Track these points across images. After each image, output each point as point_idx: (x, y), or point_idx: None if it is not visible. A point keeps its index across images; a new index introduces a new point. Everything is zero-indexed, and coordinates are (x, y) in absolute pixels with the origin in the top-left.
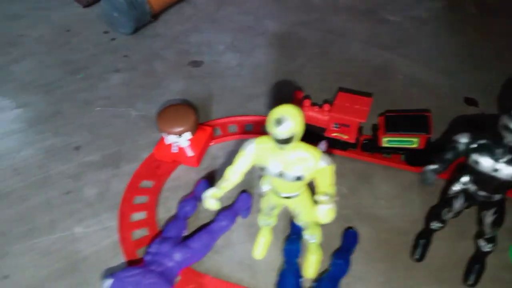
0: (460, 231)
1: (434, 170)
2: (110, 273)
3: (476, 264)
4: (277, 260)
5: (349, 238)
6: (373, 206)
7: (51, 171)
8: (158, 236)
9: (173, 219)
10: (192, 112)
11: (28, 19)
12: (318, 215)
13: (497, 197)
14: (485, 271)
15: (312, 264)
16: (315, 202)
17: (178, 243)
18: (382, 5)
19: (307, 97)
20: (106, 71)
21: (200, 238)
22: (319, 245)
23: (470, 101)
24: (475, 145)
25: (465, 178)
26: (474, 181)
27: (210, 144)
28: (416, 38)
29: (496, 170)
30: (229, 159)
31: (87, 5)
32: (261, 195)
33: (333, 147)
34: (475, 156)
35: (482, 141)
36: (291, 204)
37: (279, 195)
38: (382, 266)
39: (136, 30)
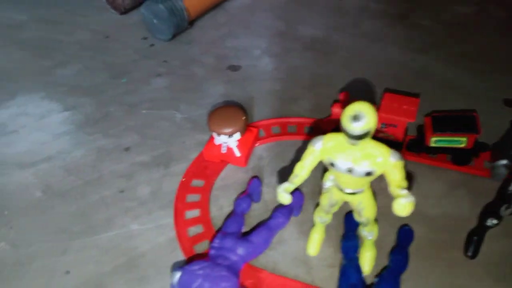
0: (510, 229)
1: (505, 165)
2: (178, 266)
3: None
4: (331, 257)
5: (405, 235)
6: (422, 205)
7: (103, 171)
8: (219, 232)
9: (232, 215)
10: (242, 113)
11: (67, 25)
12: (396, 209)
13: None
14: None
15: (368, 261)
16: (393, 196)
17: (240, 238)
18: (412, 10)
19: (352, 98)
20: (148, 75)
21: (260, 233)
22: (374, 243)
23: (509, 103)
24: None
25: None
26: None
27: (256, 145)
28: (448, 41)
29: None
30: (274, 159)
31: (123, 13)
32: (321, 192)
33: None
34: None
35: None
36: (355, 200)
37: (344, 192)
38: (436, 263)
39: (174, 36)
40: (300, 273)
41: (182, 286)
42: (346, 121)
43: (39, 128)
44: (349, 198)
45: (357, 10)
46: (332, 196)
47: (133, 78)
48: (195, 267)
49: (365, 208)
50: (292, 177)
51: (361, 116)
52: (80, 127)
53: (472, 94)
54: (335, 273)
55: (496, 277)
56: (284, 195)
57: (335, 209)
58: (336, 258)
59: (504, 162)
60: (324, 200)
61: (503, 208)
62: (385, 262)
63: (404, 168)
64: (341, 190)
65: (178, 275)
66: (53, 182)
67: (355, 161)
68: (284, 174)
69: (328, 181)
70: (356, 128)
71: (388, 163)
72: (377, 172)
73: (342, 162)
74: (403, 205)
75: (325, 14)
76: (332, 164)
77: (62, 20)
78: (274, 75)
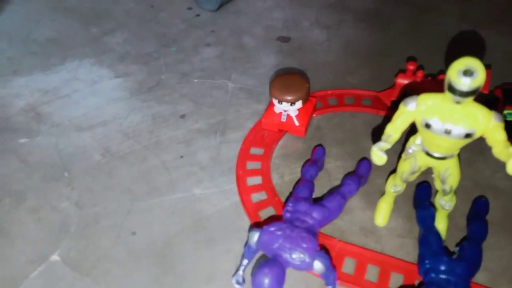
0: None
1: None
2: (256, 227)
3: None
4: (400, 227)
5: (482, 206)
6: (492, 178)
7: (161, 136)
8: (291, 196)
9: (301, 182)
10: (306, 81)
11: None
12: (510, 169)
13: None
14: None
15: (442, 231)
16: (502, 158)
17: (313, 203)
18: None
19: (420, 67)
20: (198, 45)
21: (334, 199)
22: (448, 214)
23: None
24: None
25: None
26: None
27: (313, 115)
28: (510, 13)
29: None
30: (332, 130)
31: None
32: (403, 158)
33: None
34: None
35: None
36: (442, 167)
37: (432, 156)
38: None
39: (220, 6)
40: (369, 242)
41: (262, 246)
42: (455, 76)
43: (92, 93)
44: (436, 164)
45: None
46: (416, 162)
47: (182, 47)
48: (275, 227)
49: (451, 175)
50: (385, 137)
51: (473, 70)
52: (133, 94)
53: None
54: (405, 243)
55: None
56: (379, 153)
57: (415, 176)
58: (405, 228)
59: None
60: (406, 166)
61: None
62: (456, 234)
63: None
64: (429, 155)
65: (256, 235)
66: (111, 145)
67: (455, 122)
68: (344, 144)
69: (414, 146)
70: (466, 83)
71: (490, 124)
72: (477, 134)
73: (440, 123)
74: None
75: None
76: (427, 125)
77: None
78: (326, 47)
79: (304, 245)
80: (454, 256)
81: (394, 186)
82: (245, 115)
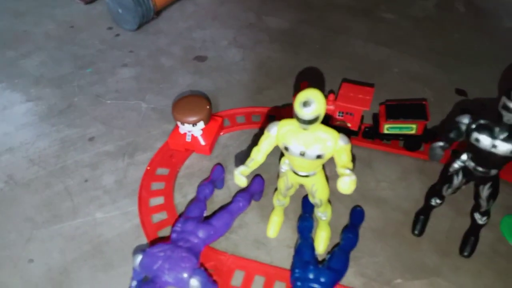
0: (457, 208)
1: (441, 147)
2: (140, 249)
3: (471, 236)
4: (289, 238)
5: (356, 215)
6: (376, 188)
7: (68, 160)
8: (181, 216)
9: (194, 201)
10: (206, 102)
11: (32, 16)
12: (340, 186)
13: (493, 172)
14: (479, 243)
15: (322, 240)
16: (339, 175)
17: (201, 222)
18: (378, 4)
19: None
20: (115, 65)
21: (221, 217)
22: (329, 223)
23: (460, 92)
24: (475, 125)
25: (464, 156)
26: (473, 158)
27: (221, 134)
28: (411, 35)
29: (494, 146)
30: (238, 147)
31: (89, 2)
32: (278, 176)
33: None
34: (475, 135)
35: (482, 121)
36: (308, 183)
37: (298, 174)
38: (388, 242)
39: (139, 26)
40: (260, 254)
41: (143, 268)
42: (297, 107)
43: (1, 119)
44: (303, 181)
45: (324, 4)
46: (288, 180)
47: (98, 68)
48: (156, 249)
49: (318, 190)
50: (248, 160)
51: (311, 102)
52: (43, 118)
53: (429, 85)
54: (292, 253)
55: (442, 252)
56: (240, 177)
57: (292, 192)
58: (294, 239)
59: (440, 144)
60: (281, 183)
61: (444, 188)
62: (339, 241)
63: (350, 151)
64: (295, 173)
65: (139, 258)
66: (16, 173)
67: (307, 145)
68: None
69: (284, 165)
70: (306, 113)
71: (336, 146)
72: (327, 155)
73: (295, 146)
74: (347, 183)
75: (293, 7)
76: (286, 148)
77: (29, 11)
78: (241, 66)
79: (183, 265)
80: (322, 265)
81: (278, 200)
82: (156, 136)
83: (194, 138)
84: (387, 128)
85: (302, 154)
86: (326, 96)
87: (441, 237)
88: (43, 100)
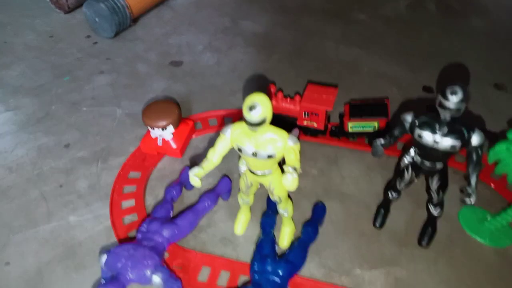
0: (415, 202)
1: (382, 144)
2: (105, 250)
3: (428, 227)
4: (256, 235)
5: (318, 210)
6: (340, 184)
7: (44, 167)
8: (147, 217)
9: (161, 202)
10: (175, 107)
11: (13, 26)
12: (284, 183)
13: (439, 165)
14: (437, 234)
15: (285, 235)
16: (283, 173)
17: (166, 222)
18: (350, 5)
19: (279, 89)
20: (91, 73)
21: (186, 216)
22: (292, 219)
23: (427, 89)
24: (418, 122)
25: (412, 152)
26: (419, 153)
27: (192, 137)
28: (382, 35)
29: (436, 142)
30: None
31: (68, 11)
32: (241, 175)
33: (305, 134)
34: (418, 131)
35: (424, 119)
36: (265, 181)
37: (255, 174)
38: (349, 234)
39: (117, 33)
40: (227, 251)
41: (108, 267)
42: (245, 111)
43: None
44: (260, 180)
45: (299, 8)
46: (247, 179)
47: (76, 76)
48: (119, 249)
49: (275, 188)
50: (203, 162)
51: (256, 105)
52: (21, 127)
53: (398, 83)
54: None
55: (400, 243)
56: (194, 178)
57: (253, 190)
58: (259, 232)
59: (381, 141)
60: (242, 183)
61: (398, 182)
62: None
63: (299, 151)
64: (252, 172)
65: (104, 257)
66: None
67: (258, 146)
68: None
69: (242, 166)
70: (253, 116)
71: (286, 146)
72: (278, 154)
73: (248, 147)
74: (289, 180)
75: (269, 11)
76: (240, 150)
77: (10, 22)
78: (215, 70)
79: (145, 262)
80: (281, 258)
81: (242, 199)
82: (129, 140)
83: (165, 142)
84: (351, 126)
85: (255, 155)
86: (292, 98)
87: (401, 229)
88: (21, 109)
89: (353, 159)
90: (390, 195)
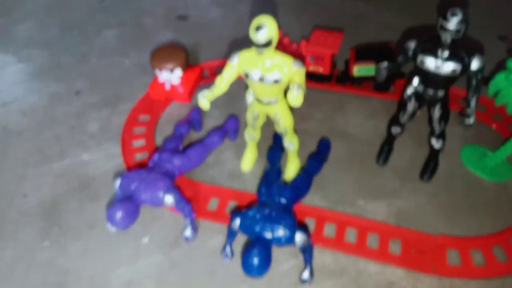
0: (420, 141)
1: (386, 67)
2: (119, 174)
3: (430, 162)
4: (262, 171)
5: (323, 145)
6: (345, 126)
7: (56, 112)
8: (158, 149)
9: (170, 137)
10: (182, 50)
11: None
12: (289, 98)
13: (440, 93)
14: (439, 169)
15: (291, 170)
16: (288, 91)
17: (175, 153)
18: None
19: (285, 35)
20: (99, 27)
21: (195, 148)
22: (297, 155)
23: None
24: (420, 48)
25: (415, 81)
26: (422, 81)
27: (200, 84)
28: None
29: (438, 67)
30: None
31: None
32: (247, 107)
33: (311, 80)
34: (420, 57)
35: (426, 44)
36: (272, 111)
37: (261, 102)
38: (353, 170)
39: None
40: (234, 184)
41: (122, 189)
42: (251, 32)
43: None
44: (267, 109)
45: None
46: (253, 110)
47: (84, 30)
48: (133, 173)
49: (281, 117)
50: (212, 87)
51: (263, 26)
52: (33, 76)
53: (404, 33)
54: None
55: (402, 177)
56: (203, 100)
57: (259, 123)
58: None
59: (385, 65)
60: (249, 114)
61: (401, 115)
62: None
63: (304, 76)
64: (259, 101)
65: (118, 181)
66: (10, 124)
67: (264, 70)
68: (224, 107)
69: (249, 96)
70: (259, 37)
71: (291, 70)
72: (284, 79)
73: (254, 72)
74: (294, 95)
75: None
76: (246, 75)
77: None
78: (222, 23)
79: (157, 184)
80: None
81: (249, 134)
82: (138, 88)
83: (173, 87)
84: (357, 70)
85: (261, 80)
86: (298, 43)
87: (403, 165)
88: (32, 60)
89: (358, 104)
90: (393, 130)
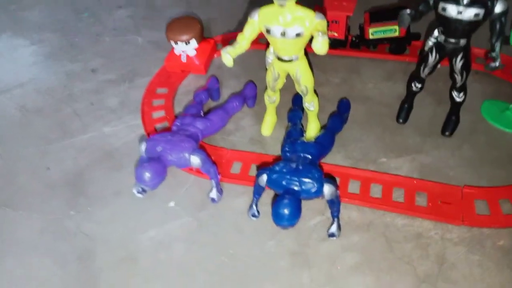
0: (439, 98)
1: (409, 14)
2: (144, 138)
3: (452, 116)
4: (282, 134)
5: (343, 105)
6: (363, 89)
7: (74, 89)
8: (180, 115)
9: (191, 103)
10: (197, 22)
11: None
12: (314, 46)
13: (462, 42)
14: (460, 124)
15: (312, 130)
16: (313, 38)
17: (197, 117)
18: None
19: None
20: (110, 8)
21: (217, 113)
22: (317, 116)
23: None
24: None
25: (436, 32)
26: (443, 31)
27: (214, 56)
28: None
29: (460, 12)
30: (232, 69)
31: None
32: (267, 68)
33: None
34: (442, 4)
35: None
36: (292, 69)
37: (282, 60)
38: (374, 130)
39: None
40: (255, 149)
41: (148, 152)
42: None
43: (10, 61)
44: (288, 67)
45: None
46: (274, 69)
47: (95, 12)
48: (158, 136)
49: (302, 76)
50: (234, 43)
51: None
52: (48, 57)
53: None
54: None
55: (424, 134)
56: (227, 55)
57: (280, 84)
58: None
59: (408, 11)
60: (269, 75)
61: (421, 69)
62: None
63: (326, 27)
64: (280, 59)
65: (144, 145)
66: (27, 103)
67: (286, 25)
68: (240, 77)
69: (270, 55)
70: None
71: (313, 23)
72: (306, 32)
73: (276, 27)
74: (320, 41)
75: None
76: (268, 31)
77: None
78: None
79: (183, 144)
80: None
81: (269, 97)
82: (153, 63)
83: (189, 58)
84: (372, 32)
85: (283, 34)
86: (312, 9)
87: (424, 123)
88: (45, 42)
89: (374, 67)
90: (413, 86)
